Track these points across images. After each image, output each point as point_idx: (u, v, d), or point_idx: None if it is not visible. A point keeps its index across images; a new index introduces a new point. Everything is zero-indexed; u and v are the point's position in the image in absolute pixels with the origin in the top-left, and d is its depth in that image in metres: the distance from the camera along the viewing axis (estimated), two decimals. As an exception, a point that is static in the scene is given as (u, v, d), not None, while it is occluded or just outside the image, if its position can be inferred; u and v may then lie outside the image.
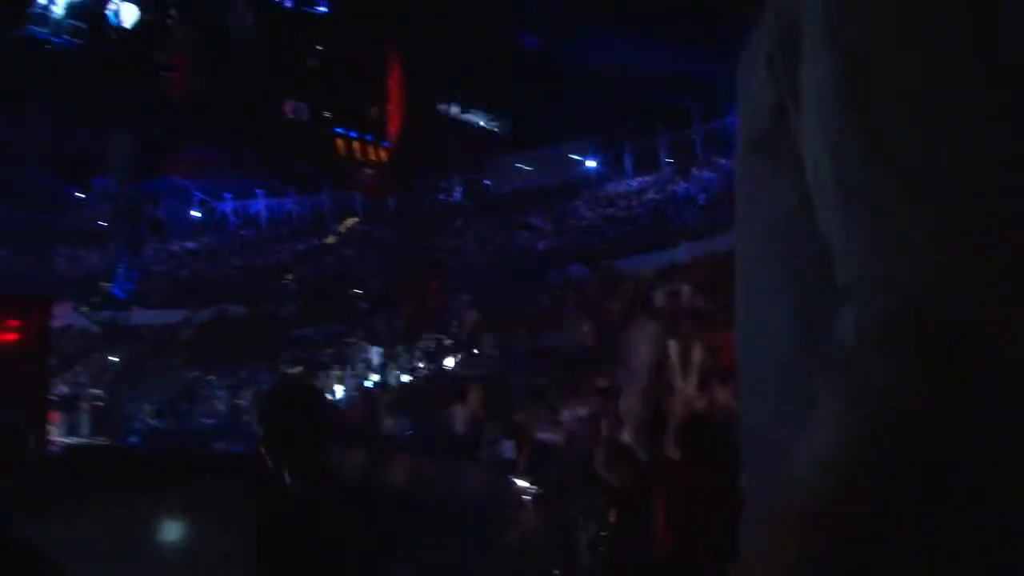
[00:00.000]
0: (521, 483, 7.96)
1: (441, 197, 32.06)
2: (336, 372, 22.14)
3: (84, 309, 27.06)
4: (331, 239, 34.44)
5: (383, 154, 23.35)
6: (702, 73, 22.08)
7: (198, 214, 37.42)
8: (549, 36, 25.97)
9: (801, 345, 0.87)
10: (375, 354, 22.17)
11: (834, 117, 0.78)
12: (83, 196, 33.06)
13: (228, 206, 37.33)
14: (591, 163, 31.16)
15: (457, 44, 23.93)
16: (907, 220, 0.71)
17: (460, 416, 15.23)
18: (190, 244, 36.04)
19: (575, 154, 31.06)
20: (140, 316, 28.95)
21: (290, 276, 31.63)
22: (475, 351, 19.23)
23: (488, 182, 32.79)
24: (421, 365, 20.54)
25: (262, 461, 2.52)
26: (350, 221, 34.68)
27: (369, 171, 24.71)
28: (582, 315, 17.75)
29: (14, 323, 15.55)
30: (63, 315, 21.56)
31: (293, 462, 2.50)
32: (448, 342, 20.93)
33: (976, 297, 0.68)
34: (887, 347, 0.69)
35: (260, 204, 37.10)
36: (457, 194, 33.15)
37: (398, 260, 26.57)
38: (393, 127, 23.41)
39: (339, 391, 20.91)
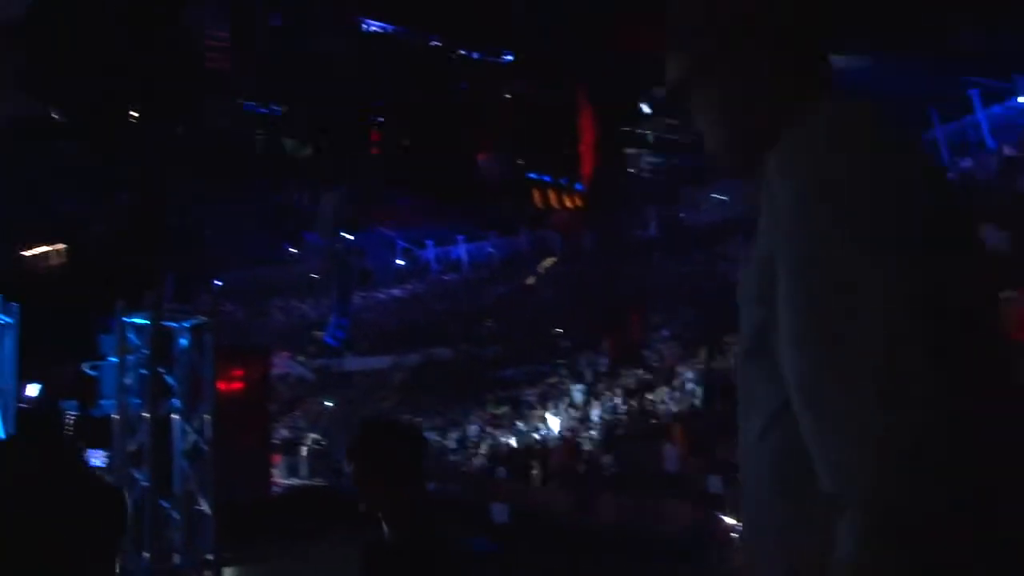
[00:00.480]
0: (729, 520, 7.60)
1: (637, 232, 31.78)
2: (540, 411, 22.20)
3: (300, 358, 28.52)
4: (531, 280, 34.78)
5: (578, 198, 23.50)
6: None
7: (402, 262, 38.82)
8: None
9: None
10: (578, 392, 22.06)
11: (787, 323, 0.95)
12: (296, 251, 35.11)
13: (431, 253, 38.53)
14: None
15: (645, 79, 23.83)
16: (858, 426, 0.84)
17: (664, 452, 14.87)
18: (396, 291, 37.35)
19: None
20: (352, 362, 30.19)
21: (490, 320, 32.13)
22: (677, 385, 18.79)
23: (683, 214, 32.27)
24: (623, 401, 20.26)
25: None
26: (549, 261, 34.95)
27: (565, 212, 24.87)
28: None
29: (238, 372, 16.59)
30: (281, 364, 22.75)
31: (381, 506, 2.36)
32: (650, 377, 20.56)
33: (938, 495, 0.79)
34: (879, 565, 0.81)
35: (461, 249, 38.06)
36: (652, 228, 32.79)
37: (598, 297, 26.46)
38: (586, 167, 23.46)
39: (544, 430, 20.94)
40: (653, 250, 31.07)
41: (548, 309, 30.98)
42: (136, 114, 22.40)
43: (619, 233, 29.79)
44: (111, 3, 21.77)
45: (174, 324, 10.61)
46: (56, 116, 27.68)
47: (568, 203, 23.57)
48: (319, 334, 29.88)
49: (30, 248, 30.99)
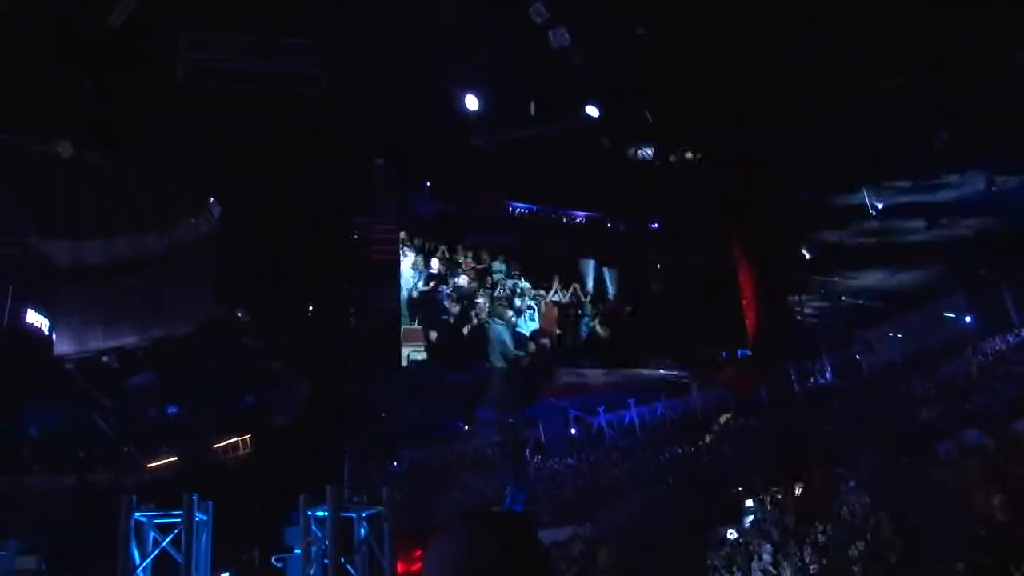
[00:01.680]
0: None
1: (812, 380, 30.80)
2: (726, 574, 21.24)
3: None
4: (707, 438, 34.01)
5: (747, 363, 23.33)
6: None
7: (575, 431, 38.72)
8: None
9: None
10: (766, 551, 21.05)
11: None
12: (468, 427, 35.71)
13: (602, 419, 38.31)
14: (968, 318, 28.56)
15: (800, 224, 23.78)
16: None
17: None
18: (570, 460, 37.10)
19: (948, 311, 28.71)
20: (532, 536, 29.86)
21: (670, 480, 31.45)
22: (871, 538, 17.64)
23: (859, 356, 31.10)
24: (815, 560, 19.14)
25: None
26: (723, 417, 34.17)
27: (733, 368, 24.55)
28: (988, 487, 15.79)
29: (418, 553, 16.79)
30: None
31: None
32: (842, 532, 19.40)
33: None
34: None
35: (633, 413, 37.71)
36: (828, 374, 31.72)
37: (777, 451, 25.55)
38: (750, 321, 23.18)
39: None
40: (832, 397, 29.97)
41: (727, 466, 30.12)
42: (311, 308, 23.82)
43: (793, 383, 28.98)
44: (286, 210, 23.62)
45: (352, 515, 11.04)
46: (240, 315, 29.93)
47: (736, 362, 23.23)
48: (495, 509, 29.88)
49: (219, 441, 32.95)
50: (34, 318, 30.42)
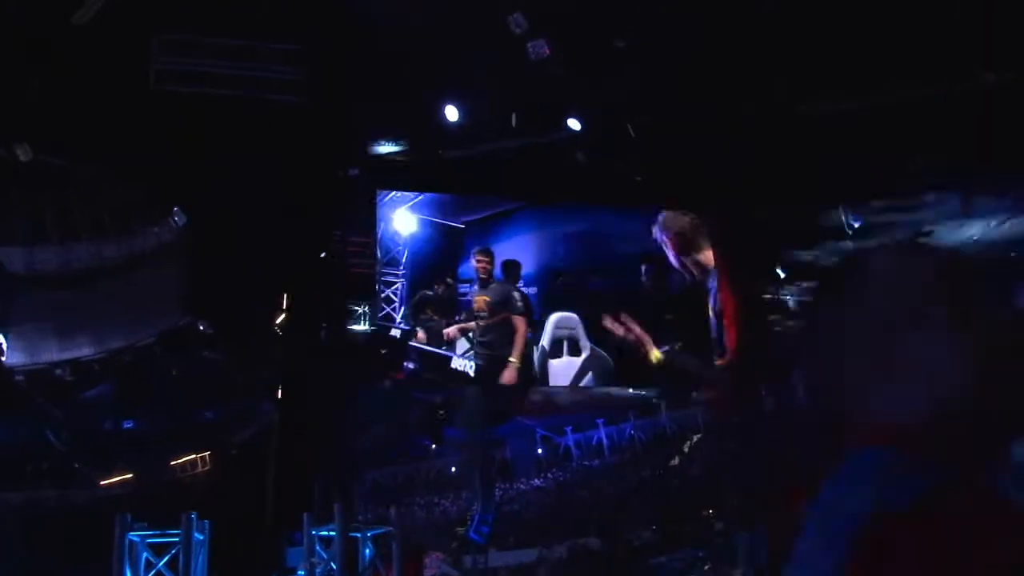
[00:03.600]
0: None
1: (789, 400, 30.75)
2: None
3: (447, 558, 27.96)
4: (676, 460, 33.89)
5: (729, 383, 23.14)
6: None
7: (541, 451, 38.35)
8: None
9: None
10: (740, 579, 20.90)
11: None
12: (435, 447, 35.23)
13: (570, 439, 37.98)
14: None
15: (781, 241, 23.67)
16: None
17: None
18: (537, 482, 36.76)
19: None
20: (497, 558, 29.42)
21: (638, 502, 31.27)
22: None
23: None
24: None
25: None
26: (694, 438, 34.04)
27: (714, 388, 24.34)
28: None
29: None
30: (432, 565, 22.47)
31: None
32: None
33: None
34: None
35: (601, 433, 37.42)
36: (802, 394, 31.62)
37: (753, 474, 25.35)
38: (730, 340, 22.94)
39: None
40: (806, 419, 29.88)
41: (698, 490, 30.03)
42: (279, 322, 23.22)
43: (770, 403, 28.81)
44: (256, 220, 23.07)
45: (358, 535, 10.93)
46: (203, 327, 29.14)
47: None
48: (461, 530, 29.36)
49: (177, 458, 32.19)
50: (-17, 328, 29.55)
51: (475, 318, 24.47)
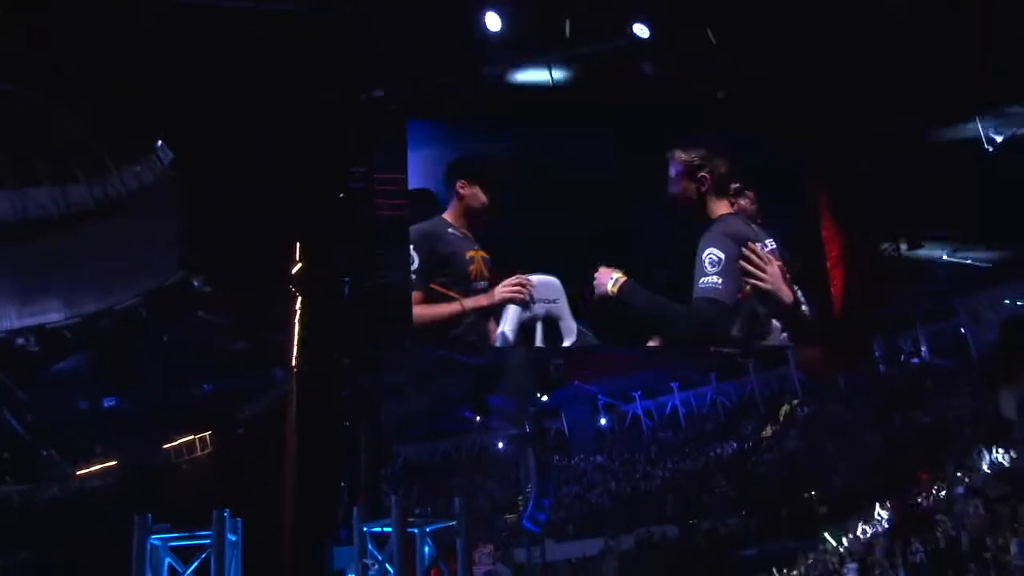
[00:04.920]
0: None
1: (904, 359, 31.27)
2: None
3: (495, 552, 28.81)
4: (768, 431, 34.41)
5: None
6: None
7: (605, 421, 39.05)
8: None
9: None
10: (851, 572, 21.49)
11: None
12: (479, 419, 36.09)
13: (639, 407, 38.66)
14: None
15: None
16: None
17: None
18: (599, 458, 37.55)
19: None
20: (555, 550, 30.27)
21: (721, 485, 31.88)
22: (989, 558, 18.04)
23: (964, 330, 31.41)
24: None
25: None
26: (790, 404, 34.57)
27: (813, 346, 24.67)
28: None
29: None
30: (482, 560, 23.22)
31: None
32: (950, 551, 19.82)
33: None
34: None
35: (676, 399, 38.11)
36: (925, 352, 32.10)
37: (862, 447, 26.00)
38: (835, 287, 23.30)
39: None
40: (927, 381, 30.36)
41: (795, 466, 30.54)
42: (293, 275, 24.01)
43: (879, 364, 29.37)
44: (260, 156, 23.62)
45: (415, 531, 11.36)
46: (198, 285, 30.02)
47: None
48: (512, 518, 30.20)
49: (171, 441, 32.95)
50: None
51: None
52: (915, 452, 25.56)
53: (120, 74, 24.91)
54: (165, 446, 33.14)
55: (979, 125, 25.42)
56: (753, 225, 20.99)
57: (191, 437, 33.04)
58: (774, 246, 21.04)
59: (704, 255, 19.81)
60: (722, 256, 19.90)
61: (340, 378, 22.89)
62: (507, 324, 20.21)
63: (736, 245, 20.22)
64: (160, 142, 29.10)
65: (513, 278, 20.31)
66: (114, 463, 33.35)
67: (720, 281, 19.83)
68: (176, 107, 25.58)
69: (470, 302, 20.18)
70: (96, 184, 31.86)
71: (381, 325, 22.30)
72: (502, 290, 20.30)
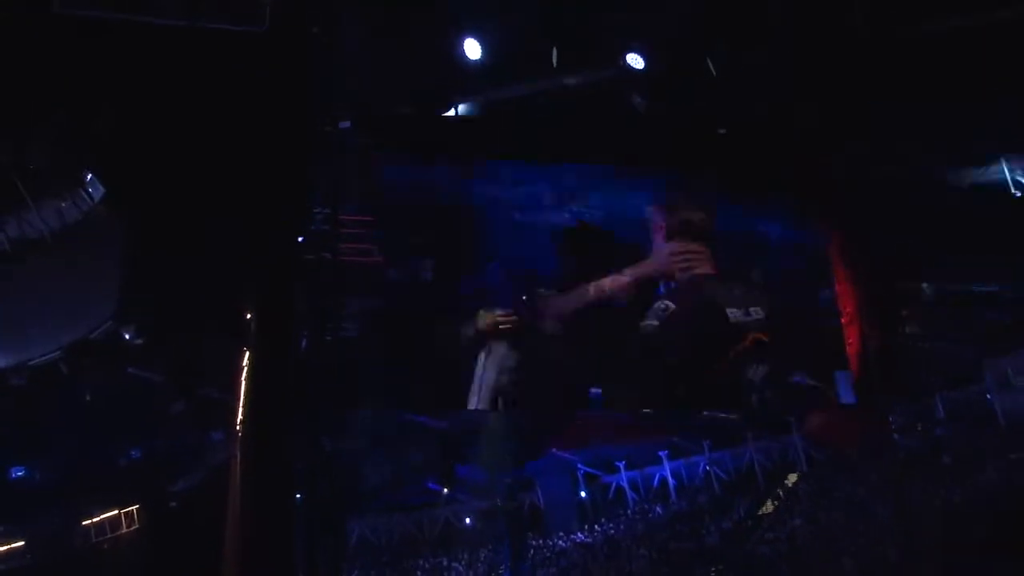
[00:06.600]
0: None
1: (921, 426, 31.63)
2: None
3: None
4: (768, 508, 34.68)
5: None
6: None
7: (585, 494, 39.18)
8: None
9: None
10: None
11: None
12: (446, 491, 36.14)
13: (624, 478, 38.83)
14: None
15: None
16: None
17: None
18: (580, 536, 37.61)
19: None
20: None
21: (713, 562, 32.11)
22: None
23: (990, 396, 31.56)
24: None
25: None
26: (792, 478, 34.86)
27: (824, 413, 24.90)
28: None
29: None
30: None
31: None
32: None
33: None
34: None
35: (665, 470, 38.32)
36: (941, 423, 32.25)
37: (880, 527, 26.29)
38: (851, 348, 23.64)
39: None
40: (944, 454, 30.62)
41: (804, 548, 30.72)
42: (238, 329, 24.21)
43: (895, 433, 29.58)
44: (206, 191, 23.88)
45: None
46: (129, 337, 29.97)
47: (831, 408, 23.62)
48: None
49: (91, 517, 32.62)
50: None
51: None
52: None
53: (43, 94, 24.96)
54: (84, 522, 32.64)
55: (1005, 167, 26.01)
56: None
57: (115, 512, 32.61)
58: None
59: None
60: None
61: (291, 443, 22.99)
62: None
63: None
64: (89, 175, 29.05)
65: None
66: (21, 543, 32.80)
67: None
68: (109, 135, 25.63)
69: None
70: (10, 221, 31.53)
71: (340, 384, 22.50)
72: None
